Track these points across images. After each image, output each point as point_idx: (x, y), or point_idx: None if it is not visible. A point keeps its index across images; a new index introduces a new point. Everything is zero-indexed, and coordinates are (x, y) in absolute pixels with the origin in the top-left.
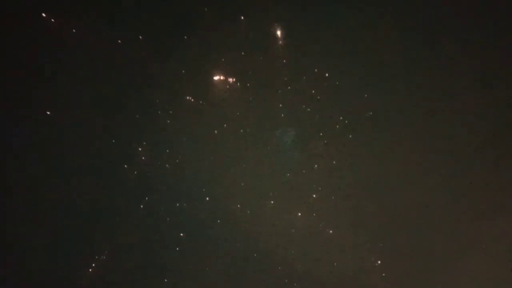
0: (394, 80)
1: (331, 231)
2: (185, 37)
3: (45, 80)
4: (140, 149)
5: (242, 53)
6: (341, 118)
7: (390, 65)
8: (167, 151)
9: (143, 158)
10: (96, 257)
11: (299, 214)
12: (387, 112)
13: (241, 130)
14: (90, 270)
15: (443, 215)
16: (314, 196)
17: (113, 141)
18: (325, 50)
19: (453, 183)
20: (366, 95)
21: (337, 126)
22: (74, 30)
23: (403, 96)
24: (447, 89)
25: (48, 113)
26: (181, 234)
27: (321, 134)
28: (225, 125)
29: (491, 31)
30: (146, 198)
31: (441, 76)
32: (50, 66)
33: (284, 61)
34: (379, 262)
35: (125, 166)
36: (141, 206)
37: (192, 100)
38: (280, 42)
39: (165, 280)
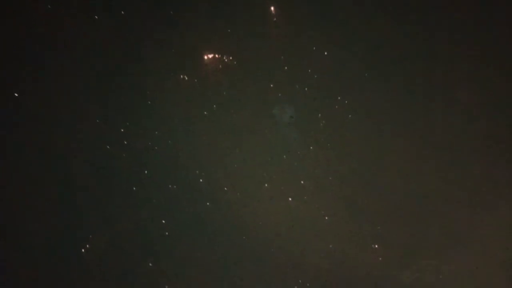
0: (395, 58)
1: (326, 217)
2: (174, 13)
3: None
4: (125, 130)
5: (237, 32)
6: (339, 98)
7: (391, 44)
8: (156, 132)
9: (128, 140)
10: (89, 244)
11: (292, 198)
12: (388, 93)
13: (233, 111)
14: (83, 251)
15: (442, 204)
16: (309, 179)
17: (97, 121)
18: (324, 28)
19: (452, 173)
20: (366, 74)
21: (336, 107)
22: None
23: (404, 76)
24: (447, 75)
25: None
26: (171, 219)
27: (319, 115)
28: (214, 106)
29: (491, 29)
30: (134, 188)
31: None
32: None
33: (280, 39)
34: (376, 246)
35: (113, 148)
36: (134, 188)
37: (184, 79)
38: (275, 19)
39: (159, 267)
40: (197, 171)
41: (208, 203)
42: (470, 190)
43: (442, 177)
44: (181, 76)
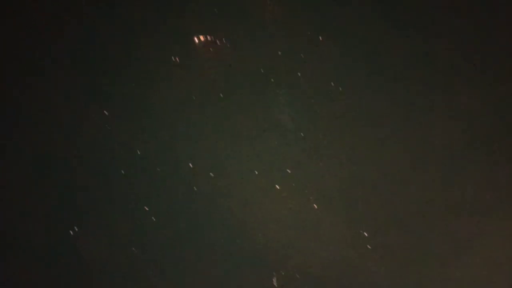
0: (393, 45)
1: (316, 205)
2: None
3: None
4: (108, 114)
5: (230, 17)
6: (332, 84)
7: (390, 26)
8: (143, 121)
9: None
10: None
11: (279, 185)
12: (390, 95)
13: (222, 95)
14: (72, 233)
15: (442, 209)
16: (311, 185)
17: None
18: (318, 11)
19: (452, 176)
20: (367, 75)
21: (330, 93)
22: None
23: (404, 77)
24: (448, 78)
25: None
26: (152, 206)
27: (312, 101)
28: (205, 89)
29: (491, 29)
30: (122, 171)
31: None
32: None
33: (274, 22)
34: (377, 252)
35: (97, 135)
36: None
37: (171, 62)
38: (269, 1)
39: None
40: (183, 158)
41: (195, 188)
42: (473, 195)
43: (444, 181)
44: (168, 59)
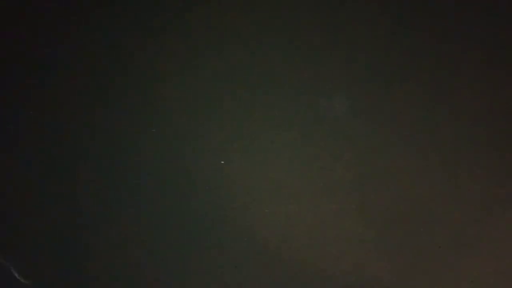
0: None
1: (322, 202)
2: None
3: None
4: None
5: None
6: (335, 82)
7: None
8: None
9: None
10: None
11: (281, 177)
12: (394, 94)
13: (229, 94)
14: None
15: (447, 208)
16: (317, 182)
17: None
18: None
19: (457, 175)
20: (372, 75)
21: (333, 91)
22: None
23: (410, 75)
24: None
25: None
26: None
27: (317, 98)
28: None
29: (494, 28)
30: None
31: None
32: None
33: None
34: (381, 256)
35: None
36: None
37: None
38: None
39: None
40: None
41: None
42: (479, 191)
43: (448, 177)
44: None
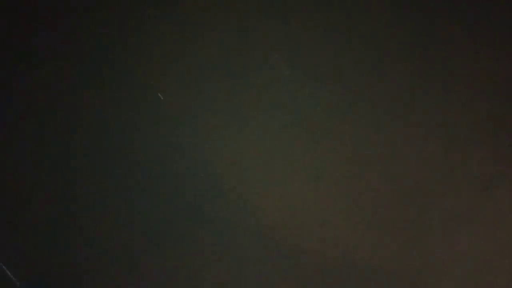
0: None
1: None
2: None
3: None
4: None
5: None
6: (337, 77)
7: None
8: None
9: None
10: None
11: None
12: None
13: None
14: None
15: (443, 184)
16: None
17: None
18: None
19: (452, 152)
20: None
21: (336, 87)
22: None
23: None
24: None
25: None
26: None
27: (319, 94)
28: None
29: (498, 25)
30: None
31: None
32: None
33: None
34: (372, 225)
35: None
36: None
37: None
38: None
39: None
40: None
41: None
42: (476, 169)
43: (445, 155)
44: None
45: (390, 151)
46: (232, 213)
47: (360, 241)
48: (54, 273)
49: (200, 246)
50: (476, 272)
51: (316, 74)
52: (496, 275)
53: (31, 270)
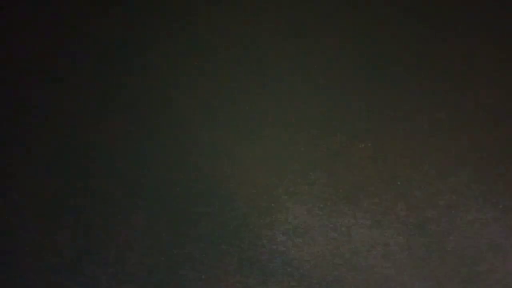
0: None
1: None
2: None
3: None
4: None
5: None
6: (344, 81)
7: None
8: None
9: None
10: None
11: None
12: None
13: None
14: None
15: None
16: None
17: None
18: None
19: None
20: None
21: (341, 91)
22: None
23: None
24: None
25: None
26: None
27: (325, 96)
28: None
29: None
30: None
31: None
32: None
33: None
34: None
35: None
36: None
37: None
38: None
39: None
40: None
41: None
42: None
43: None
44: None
45: (390, 151)
46: (237, 216)
47: (357, 232)
48: None
49: (206, 246)
50: None
51: (316, 74)
52: None
53: None
